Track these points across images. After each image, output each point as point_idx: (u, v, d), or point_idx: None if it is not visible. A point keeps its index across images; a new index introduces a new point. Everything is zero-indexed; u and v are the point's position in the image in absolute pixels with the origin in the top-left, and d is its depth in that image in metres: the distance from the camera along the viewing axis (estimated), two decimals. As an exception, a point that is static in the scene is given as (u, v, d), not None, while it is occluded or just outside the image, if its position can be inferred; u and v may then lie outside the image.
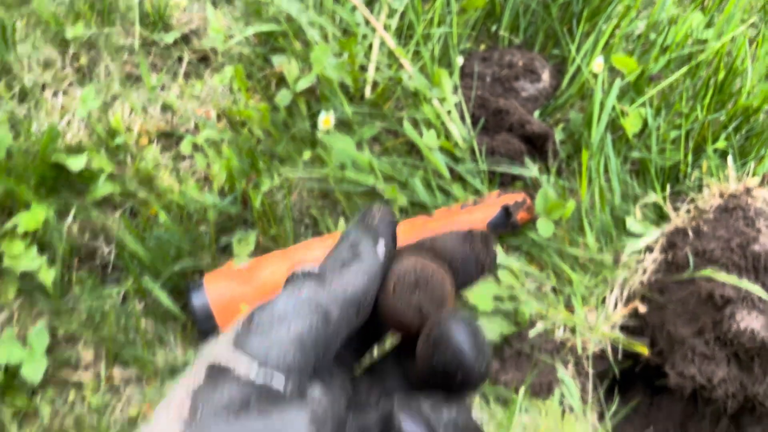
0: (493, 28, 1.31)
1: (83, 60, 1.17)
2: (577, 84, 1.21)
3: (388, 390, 0.32)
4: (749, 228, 1.03)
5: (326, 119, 1.09)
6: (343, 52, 1.13)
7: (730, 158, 1.13)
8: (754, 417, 1.04)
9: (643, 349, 1.04)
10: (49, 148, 1.00)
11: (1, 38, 1.12)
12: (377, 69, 1.17)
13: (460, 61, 1.23)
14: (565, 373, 1.05)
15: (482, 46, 1.31)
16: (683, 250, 1.06)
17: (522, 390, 1.01)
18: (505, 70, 1.23)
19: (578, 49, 1.24)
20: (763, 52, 1.22)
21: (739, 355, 0.99)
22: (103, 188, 1.02)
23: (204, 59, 1.24)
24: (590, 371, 1.07)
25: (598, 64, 1.18)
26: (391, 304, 0.30)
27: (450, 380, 0.28)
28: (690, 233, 1.08)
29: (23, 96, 1.12)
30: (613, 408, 1.06)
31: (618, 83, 1.15)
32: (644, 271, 1.09)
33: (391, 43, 1.18)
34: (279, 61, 1.18)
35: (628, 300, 1.09)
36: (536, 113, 1.22)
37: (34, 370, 0.91)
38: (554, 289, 1.08)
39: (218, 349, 0.27)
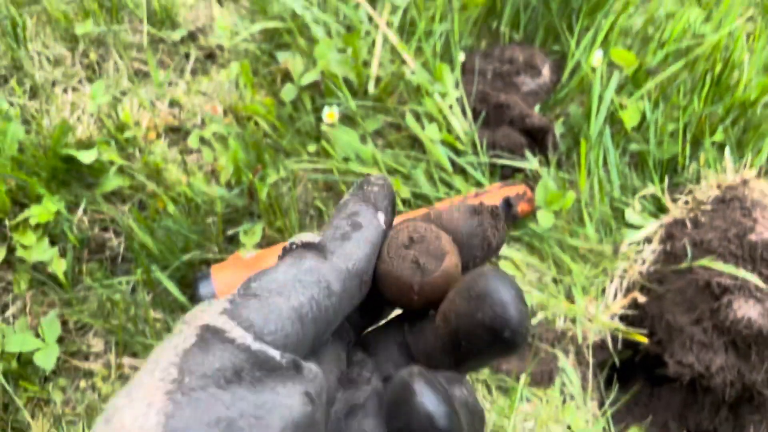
0: (494, 24, 1.33)
1: (93, 56, 1.20)
2: (576, 78, 1.23)
3: (381, 366, 0.31)
4: (746, 218, 1.04)
5: (331, 113, 1.12)
6: (347, 47, 1.15)
7: (727, 150, 1.15)
8: (753, 406, 1.05)
9: (642, 339, 1.06)
10: (60, 143, 1.02)
11: (12, 36, 1.15)
12: (380, 64, 1.20)
13: (461, 56, 1.25)
14: (565, 363, 1.07)
15: (483, 42, 1.34)
16: (681, 241, 1.08)
17: (523, 378, 1.03)
18: (506, 66, 1.25)
19: (578, 44, 1.26)
20: (760, 45, 1.24)
21: (736, 343, 1.01)
22: (113, 181, 1.05)
23: (210, 56, 1.26)
24: (590, 360, 1.08)
25: (597, 58, 1.20)
26: (386, 266, 0.29)
27: (495, 339, 0.26)
28: (688, 224, 1.10)
29: (34, 92, 1.14)
30: (612, 396, 1.08)
31: (616, 77, 1.17)
32: (643, 262, 1.11)
33: (394, 39, 1.20)
34: (284, 57, 1.20)
35: (628, 290, 1.11)
36: (537, 107, 1.24)
37: (46, 358, 0.93)
38: (555, 280, 1.10)
39: (212, 312, 0.24)
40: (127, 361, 0.98)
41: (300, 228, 1.08)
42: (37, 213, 0.99)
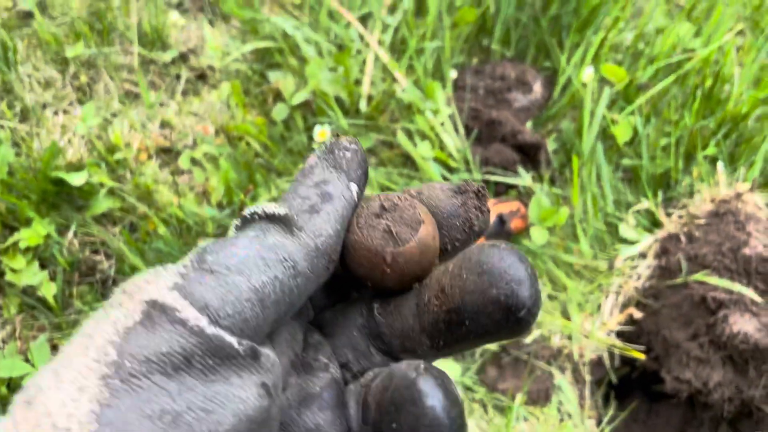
0: (485, 41, 1.34)
1: (83, 79, 1.19)
2: (568, 94, 1.23)
3: (338, 350, 0.28)
4: (740, 232, 1.04)
5: (322, 132, 1.11)
6: (338, 66, 1.16)
7: (720, 164, 1.15)
8: (752, 421, 1.04)
9: (639, 355, 1.05)
10: (50, 165, 1.02)
11: (2, 59, 1.15)
12: (372, 83, 1.20)
13: (453, 74, 1.25)
14: (562, 380, 1.06)
15: (475, 60, 1.34)
16: (676, 255, 1.07)
17: (519, 397, 1.02)
18: (497, 82, 1.25)
19: (568, 61, 1.26)
20: (750, 59, 1.24)
21: (733, 358, 1.00)
22: (103, 203, 1.04)
23: (202, 76, 1.26)
24: (587, 378, 1.07)
25: (587, 74, 1.20)
26: (355, 236, 0.26)
27: (508, 318, 0.23)
28: (682, 238, 1.09)
29: (25, 115, 1.14)
30: (610, 414, 1.06)
31: (607, 92, 1.17)
32: (638, 277, 1.10)
33: (385, 57, 1.20)
34: (275, 77, 1.21)
35: (624, 306, 1.10)
36: (529, 123, 1.24)
37: (35, 384, 0.92)
38: (550, 296, 1.10)
39: (160, 285, 0.21)
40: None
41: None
42: (26, 236, 0.98)
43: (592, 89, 1.19)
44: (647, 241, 1.12)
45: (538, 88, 1.26)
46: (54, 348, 0.97)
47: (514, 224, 1.09)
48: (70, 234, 1.03)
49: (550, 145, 1.20)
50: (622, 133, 1.16)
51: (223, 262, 0.22)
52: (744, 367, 0.99)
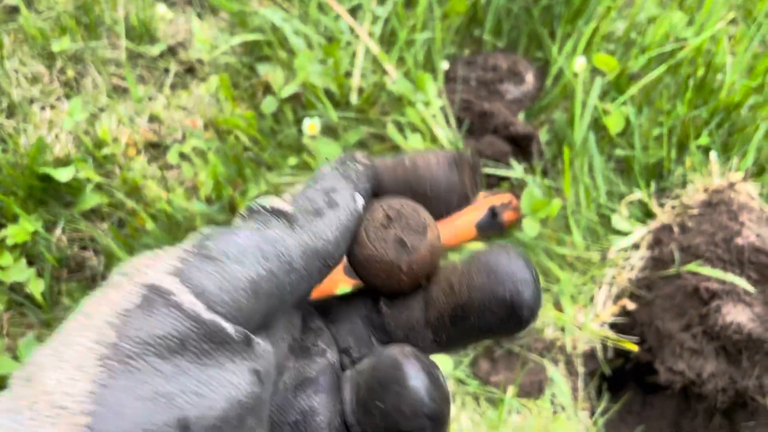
0: (477, 32, 1.33)
1: (70, 73, 1.18)
2: (560, 85, 1.22)
3: (340, 337, 0.29)
4: (733, 222, 1.03)
5: (312, 125, 1.10)
6: (328, 58, 1.14)
7: (713, 154, 1.14)
8: (747, 412, 1.04)
9: (632, 346, 1.05)
10: (37, 161, 1.01)
11: (-12, 54, 1.13)
12: (362, 75, 1.19)
13: (444, 65, 1.24)
14: (555, 372, 1.05)
15: (466, 51, 1.33)
16: (669, 246, 1.07)
17: (512, 390, 1.01)
18: (489, 74, 1.24)
19: (560, 51, 1.25)
20: (743, 48, 1.23)
21: (726, 348, 0.99)
22: (91, 199, 1.03)
23: (190, 70, 1.25)
24: (580, 370, 1.07)
25: (579, 64, 1.19)
26: (367, 250, 0.27)
27: (511, 315, 0.25)
28: (675, 229, 1.09)
29: (11, 110, 1.13)
30: (603, 406, 1.06)
31: (599, 82, 1.16)
32: (631, 268, 1.10)
33: (375, 49, 1.19)
34: (264, 70, 1.19)
35: (617, 297, 1.09)
36: (521, 115, 1.23)
37: (24, 381, 0.91)
38: (543, 289, 1.09)
39: (160, 270, 0.22)
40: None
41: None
42: (13, 233, 0.97)
43: (584, 79, 1.18)
44: (640, 232, 1.11)
45: (530, 78, 1.25)
46: (42, 345, 0.96)
47: (507, 216, 1.08)
48: (58, 230, 1.02)
49: (543, 136, 1.19)
50: (614, 124, 1.15)
51: (222, 250, 0.23)
52: (737, 357, 0.99)
